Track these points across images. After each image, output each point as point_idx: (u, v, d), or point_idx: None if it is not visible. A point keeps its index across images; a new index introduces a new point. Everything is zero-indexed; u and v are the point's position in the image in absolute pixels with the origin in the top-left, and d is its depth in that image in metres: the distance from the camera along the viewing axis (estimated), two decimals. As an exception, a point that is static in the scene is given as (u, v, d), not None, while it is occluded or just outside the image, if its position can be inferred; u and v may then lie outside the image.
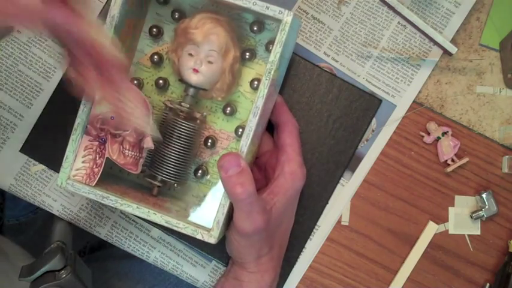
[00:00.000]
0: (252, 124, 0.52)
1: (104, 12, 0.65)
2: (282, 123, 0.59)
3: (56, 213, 0.67)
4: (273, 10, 0.52)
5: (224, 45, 0.55)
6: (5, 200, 0.88)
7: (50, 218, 0.69)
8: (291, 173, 0.57)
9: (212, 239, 0.53)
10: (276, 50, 0.52)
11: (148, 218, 0.53)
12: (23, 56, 0.67)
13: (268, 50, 0.58)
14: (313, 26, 0.67)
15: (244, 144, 0.53)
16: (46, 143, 0.66)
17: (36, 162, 0.67)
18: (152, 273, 0.78)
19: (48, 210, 0.67)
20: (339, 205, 0.66)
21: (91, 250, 0.91)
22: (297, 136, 0.59)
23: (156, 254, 0.67)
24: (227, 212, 0.53)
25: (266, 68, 0.52)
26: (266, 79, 0.52)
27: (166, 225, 0.53)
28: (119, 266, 0.79)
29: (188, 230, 0.53)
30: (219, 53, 0.55)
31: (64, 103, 0.65)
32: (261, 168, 0.61)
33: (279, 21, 0.52)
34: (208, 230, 0.53)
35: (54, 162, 0.66)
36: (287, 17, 0.52)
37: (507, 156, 0.66)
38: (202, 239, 0.53)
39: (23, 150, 0.66)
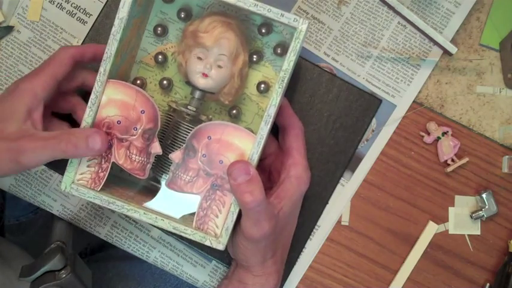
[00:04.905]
0: (264, 132, 0.52)
1: (104, 13, 0.65)
2: (288, 126, 0.59)
3: (56, 213, 0.67)
4: (287, 18, 0.51)
5: (235, 50, 0.55)
6: (5, 200, 0.88)
7: (50, 218, 0.69)
8: (296, 177, 0.57)
9: (220, 245, 0.53)
10: (290, 58, 0.52)
11: (156, 224, 0.53)
12: (23, 56, 0.67)
13: (276, 53, 0.58)
14: (313, 26, 0.67)
15: (255, 152, 0.52)
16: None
17: (36, 162, 0.66)
18: (153, 274, 0.78)
19: (48, 210, 0.67)
20: (339, 205, 0.66)
21: (92, 251, 0.91)
22: (302, 139, 0.59)
23: (156, 254, 0.67)
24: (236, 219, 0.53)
25: (279, 76, 0.52)
26: (279, 87, 0.52)
27: (174, 231, 0.53)
28: (120, 267, 0.79)
29: (196, 237, 0.53)
30: (229, 58, 0.55)
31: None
32: (265, 170, 0.61)
33: (292, 28, 0.52)
34: (216, 236, 0.53)
35: (54, 162, 0.65)
36: (302, 25, 0.51)
37: (507, 156, 0.66)
38: (210, 245, 0.53)
39: (23, 150, 0.66)
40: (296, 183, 0.57)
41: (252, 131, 0.53)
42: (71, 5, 0.67)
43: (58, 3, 0.67)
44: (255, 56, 0.58)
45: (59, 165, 0.55)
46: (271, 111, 0.52)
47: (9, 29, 0.67)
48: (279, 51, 0.58)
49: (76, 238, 0.68)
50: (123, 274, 0.78)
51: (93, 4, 0.67)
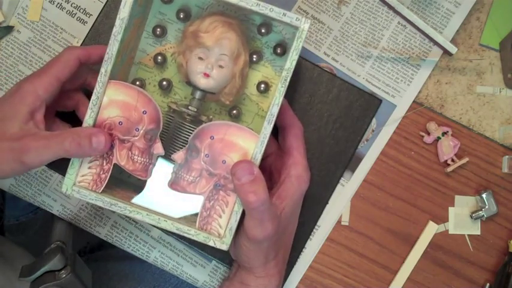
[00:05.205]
0: (267, 132, 0.52)
1: (104, 13, 0.65)
2: (288, 126, 0.59)
3: (56, 213, 0.67)
4: (289, 17, 0.51)
5: (236, 50, 0.55)
6: (5, 200, 0.88)
7: (50, 218, 0.69)
8: (297, 176, 0.57)
9: (224, 245, 0.53)
10: (293, 57, 0.52)
11: (159, 225, 0.53)
12: (23, 56, 0.67)
13: (276, 53, 0.58)
14: (313, 26, 0.67)
15: (258, 152, 0.52)
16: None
17: (36, 162, 0.66)
18: (153, 274, 0.78)
19: (48, 210, 0.67)
20: (339, 205, 0.66)
21: (91, 250, 0.91)
22: (302, 139, 0.59)
23: (156, 254, 0.67)
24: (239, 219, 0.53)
25: (282, 75, 0.52)
26: (282, 86, 0.52)
27: (177, 232, 0.53)
28: (120, 267, 0.79)
29: (200, 237, 0.53)
30: (231, 58, 0.55)
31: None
32: (266, 170, 0.61)
33: (294, 27, 0.52)
34: (220, 236, 0.53)
35: (54, 162, 0.65)
36: (304, 24, 0.51)
37: (507, 156, 0.66)
38: (214, 246, 0.53)
39: (23, 150, 0.66)
40: (297, 183, 0.57)
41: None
42: (71, 5, 0.67)
43: (58, 3, 0.67)
44: (254, 56, 0.58)
45: (59, 166, 0.55)
46: (274, 111, 0.52)
47: (9, 29, 0.67)
48: (278, 51, 0.58)
49: (76, 237, 0.68)
50: (123, 274, 0.78)
51: (93, 4, 0.67)
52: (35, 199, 0.67)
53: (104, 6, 0.66)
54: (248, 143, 0.52)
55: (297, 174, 0.57)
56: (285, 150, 0.59)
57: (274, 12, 0.51)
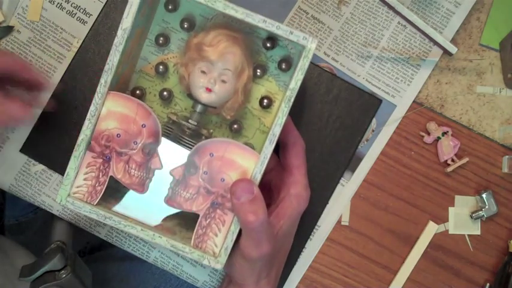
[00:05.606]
0: (268, 151, 0.51)
1: (104, 13, 0.65)
2: (290, 143, 0.58)
3: (56, 213, 0.67)
4: (296, 36, 0.50)
5: (240, 65, 0.54)
6: (5, 200, 0.88)
7: (50, 218, 0.69)
8: (296, 195, 0.56)
9: (219, 265, 0.52)
10: (298, 77, 0.50)
11: (153, 241, 0.52)
12: (23, 56, 0.67)
13: (280, 68, 0.57)
14: (313, 26, 0.67)
15: (258, 171, 0.51)
16: (46, 142, 0.66)
17: (36, 162, 0.66)
18: (153, 274, 0.78)
19: (48, 210, 0.67)
20: (339, 205, 0.66)
21: (91, 250, 0.91)
22: (303, 157, 0.58)
23: (156, 254, 0.67)
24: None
25: (286, 95, 0.51)
26: (286, 106, 0.51)
27: (171, 249, 0.52)
28: (120, 267, 0.79)
29: (194, 255, 0.52)
30: (234, 73, 0.54)
31: (64, 103, 0.65)
32: (265, 186, 0.60)
33: (301, 46, 0.51)
34: (215, 255, 0.52)
35: (54, 162, 0.65)
36: (311, 44, 0.50)
37: (507, 156, 0.66)
38: (208, 264, 0.52)
39: (23, 150, 0.66)
40: (295, 202, 0.56)
41: (252, 146, 0.52)
42: (71, 5, 0.67)
43: (58, 3, 0.67)
44: (258, 70, 0.57)
45: (59, 165, 0.55)
46: (276, 131, 0.51)
47: (9, 29, 0.67)
48: (283, 66, 0.56)
49: (76, 237, 0.68)
50: (123, 274, 0.78)
51: (93, 4, 0.67)
52: (35, 199, 0.67)
53: (104, 6, 0.66)
54: (248, 161, 0.52)
55: (296, 193, 0.56)
56: (285, 167, 0.57)
57: (281, 30, 0.50)
